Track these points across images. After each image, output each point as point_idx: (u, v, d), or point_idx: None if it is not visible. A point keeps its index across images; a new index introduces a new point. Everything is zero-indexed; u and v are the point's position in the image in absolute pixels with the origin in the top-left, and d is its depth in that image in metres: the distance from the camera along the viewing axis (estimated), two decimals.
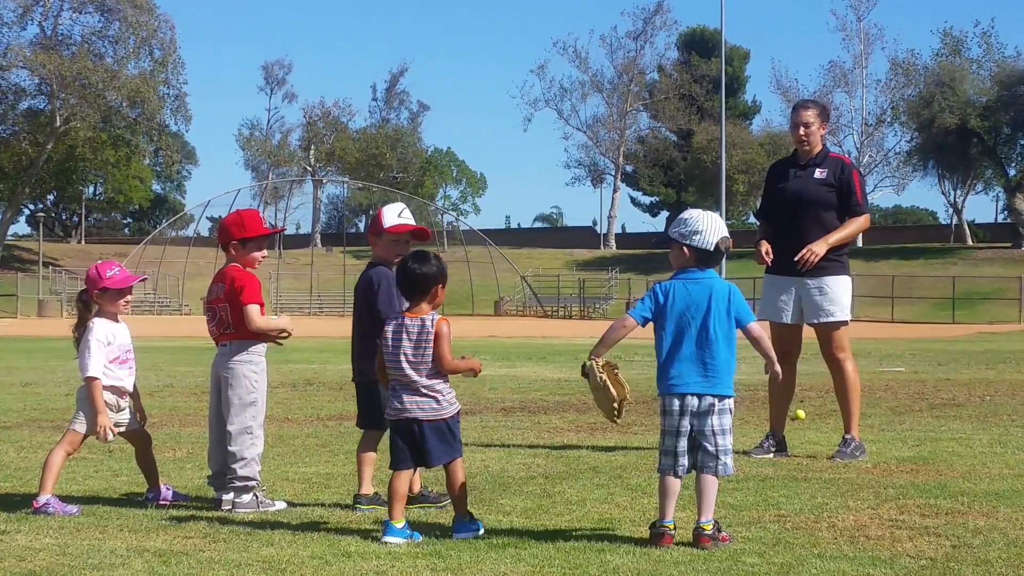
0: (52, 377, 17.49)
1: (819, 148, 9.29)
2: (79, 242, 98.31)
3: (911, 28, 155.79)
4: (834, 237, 9.07)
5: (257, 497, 6.93)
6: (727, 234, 6.12)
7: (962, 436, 10.18)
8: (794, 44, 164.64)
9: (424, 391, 6.09)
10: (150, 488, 7.20)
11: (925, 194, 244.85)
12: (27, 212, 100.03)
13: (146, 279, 7.89)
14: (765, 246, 9.19)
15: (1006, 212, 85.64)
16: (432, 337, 6.08)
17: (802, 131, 9.23)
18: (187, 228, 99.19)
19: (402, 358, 6.11)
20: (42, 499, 6.75)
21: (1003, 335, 37.99)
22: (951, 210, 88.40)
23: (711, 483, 5.89)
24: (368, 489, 7.01)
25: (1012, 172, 77.49)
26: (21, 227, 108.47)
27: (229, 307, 6.97)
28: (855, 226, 9.24)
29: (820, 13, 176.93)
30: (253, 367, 6.99)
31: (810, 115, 9.26)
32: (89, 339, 6.99)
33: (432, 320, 6.12)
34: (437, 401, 6.11)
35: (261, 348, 7.06)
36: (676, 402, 5.93)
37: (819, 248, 8.97)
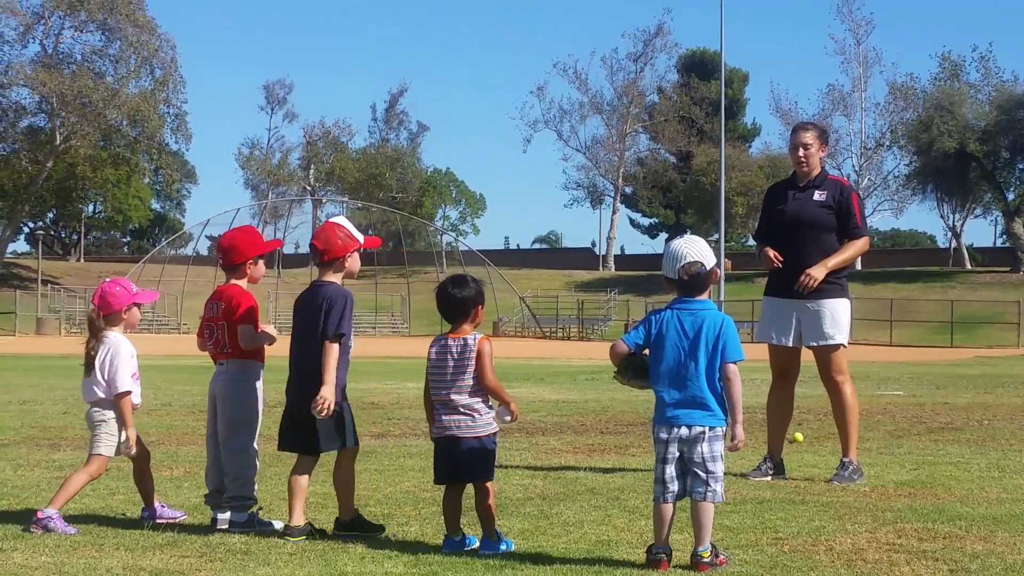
0: (50, 395, 17.48)
1: (818, 170, 9.29)
2: (78, 260, 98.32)
3: (910, 52, 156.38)
4: (833, 261, 9.06)
5: (254, 516, 6.92)
6: (692, 260, 5.99)
7: (960, 460, 10.17)
8: (793, 67, 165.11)
9: (463, 409, 6.23)
10: (146, 507, 7.20)
11: (924, 218, 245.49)
12: (26, 230, 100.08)
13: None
14: (772, 251, 9.16)
15: (1005, 236, 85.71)
16: (474, 355, 6.23)
17: (801, 152, 9.22)
18: (186, 247, 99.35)
19: (447, 377, 6.26)
20: (48, 511, 6.74)
21: (1002, 359, 37.98)
22: (950, 234, 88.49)
23: (705, 511, 5.84)
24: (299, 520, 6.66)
25: (1011, 196, 77.57)
26: (20, 245, 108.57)
27: (227, 326, 6.97)
28: (854, 249, 9.24)
29: (819, 37, 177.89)
30: (250, 386, 7.00)
31: (809, 137, 9.26)
32: (122, 353, 6.98)
33: (475, 339, 6.29)
34: (473, 419, 6.24)
35: (258, 367, 7.06)
36: (664, 430, 5.92)
37: (818, 272, 8.97)
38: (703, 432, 5.86)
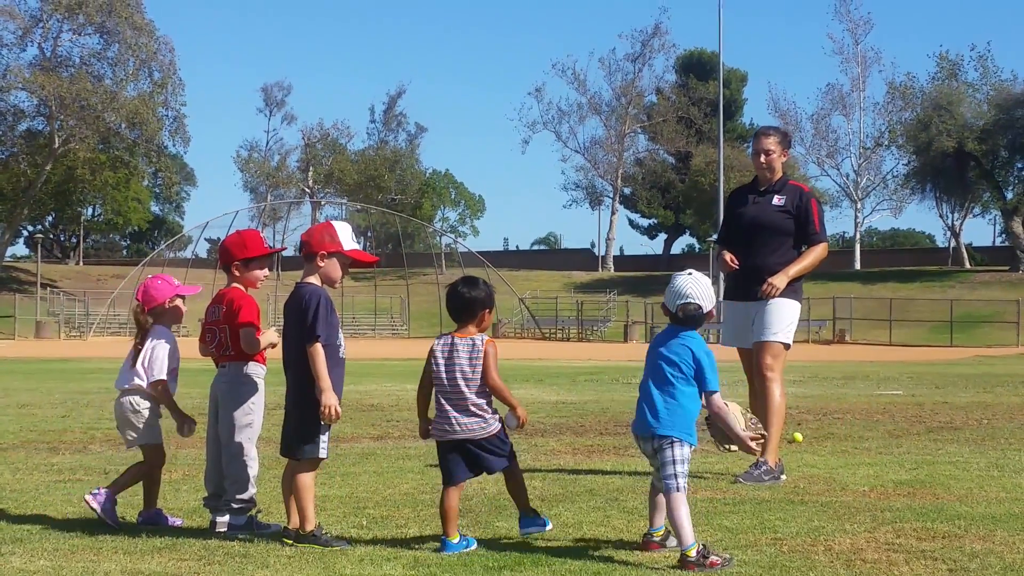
0: (49, 399, 17.47)
1: (779, 175, 9.41)
2: (77, 263, 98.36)
3: (908, 52, 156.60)
4: (794, 269, 9.16)
5: (252, 519, 6.91)
6: (689, 301, 6.20)
7: (959, 459, 10.17)
8: (791, 67, 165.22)
9: (473, 409, 6.30)
10: (145, 509, 7.20)
11: (923, 217, 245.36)
12: (25, 234, 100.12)
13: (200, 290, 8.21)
14: (729, 254, 9.25)
15: (1004, 235, 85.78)
16: (482, 355, 6.30)
17: (763, 158, 9.34)
18: (185, 249, 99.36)
19: (457, 375, 6.31)
20: (102, 491, 6.92)
21: (1001, 358, 38.00)
22: (949, 233, 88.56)
23: (670, 505, 5.98)
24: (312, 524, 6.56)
25: (1009, 195, 77.62)
26: (19, 248, 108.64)
27: (228, 329, 6.97)
28: (814, 256, 9.30)
29: (818, 36, 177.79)
30: (251, 389, 6.99)
31: (771, 142, 9.36)
32: (163, 342, 7.15)
33: (482, 340, 6.36)
34: (485, 420, 6.32)
35: (260, 370, 7.05)
36: (635, 439, 6.34)
37: (779, 281, 9.06)
38: (660, 442, 6.19)
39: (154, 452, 7.20)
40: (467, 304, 6.39)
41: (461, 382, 6.30)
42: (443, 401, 6.34)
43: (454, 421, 6.29)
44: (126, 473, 7.26)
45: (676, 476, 6.01)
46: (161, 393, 7.12)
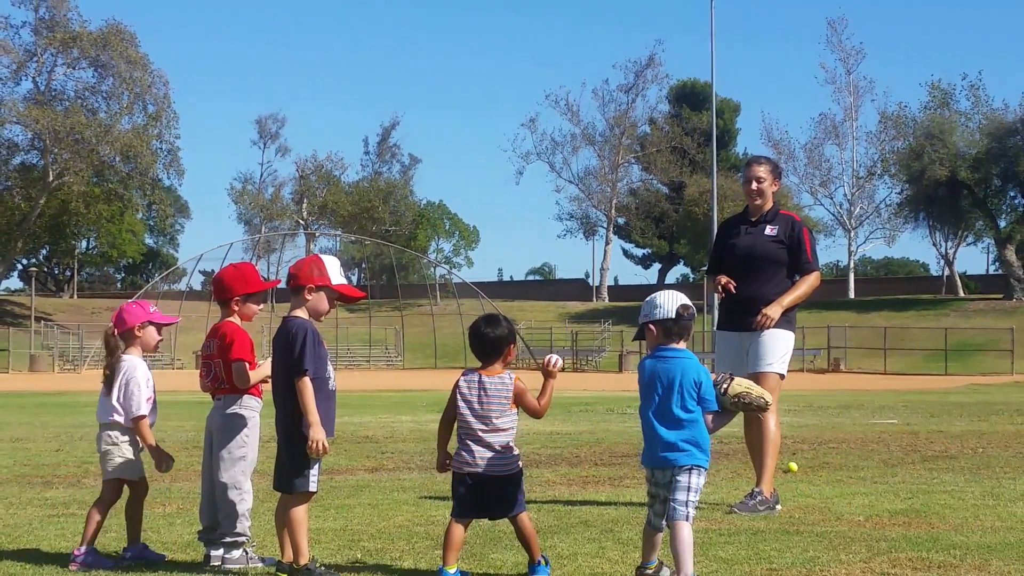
0: (43, 432, 17.43)
1: (770, 205, 9.43)
2: (71, 296, 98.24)
3: (900, 81, 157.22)
4: (788, 299, 9.18)
5: (247, 553, 6.90)
6: (687, 303, 6.22)
7: (955, 488, 10.16)
8: (785, 96, 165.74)
9: (500, 448, 6.30)
10: (129, 544, 7.13)
11: (916, 246, 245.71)
12: (20, 267, 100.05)
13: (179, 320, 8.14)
14: (724, 278, 9.24)
15: (997, 264, 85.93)
16: (512, 393, 6.36)
17: (754, 185, 9.35)
18: (180, 282, 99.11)
19: (490, 414, 6.31)
20: (82, 549, 6.86)
21: (996, 387, 38.00)
22: (942, 262, 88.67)
23: (676, 533, 5.94)
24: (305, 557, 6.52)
25: (1003, 224, 77.81)
26: (13, 282, 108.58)
27: (223, 363, 6.97)
28: (807, 285, 9.32)
29: (810, 66, 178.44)
30: (245, 421, 6.99)
31: (763, 171, 9.38)
32: (137, 377, 7.05)
33: (511, 378, 6.40)
34: (510, 458, 6.33)
35: (255, 403, 7.05)
36: (647, 472, 6.21)
37: (773, 312, 9.07)
38: (675, 472, 6.11)
39: (137, 486, 7.14)
40: (494, 343, 6.42)
41: (493, 421, 6.29)
42: (466, 438, 6.31)
43: (477, 456, 6.26)
44: (128, 521, 7.20)
45: (688, 504, 5.99)
46: (141, 429, 7.03)
